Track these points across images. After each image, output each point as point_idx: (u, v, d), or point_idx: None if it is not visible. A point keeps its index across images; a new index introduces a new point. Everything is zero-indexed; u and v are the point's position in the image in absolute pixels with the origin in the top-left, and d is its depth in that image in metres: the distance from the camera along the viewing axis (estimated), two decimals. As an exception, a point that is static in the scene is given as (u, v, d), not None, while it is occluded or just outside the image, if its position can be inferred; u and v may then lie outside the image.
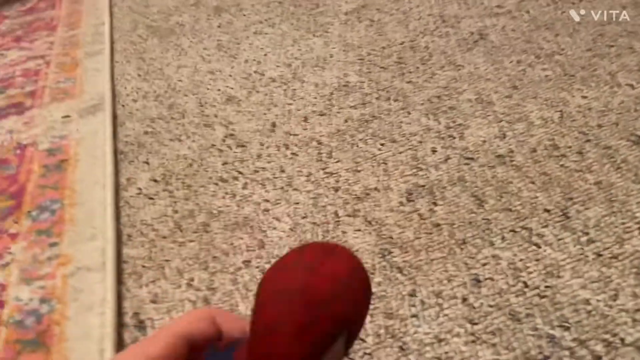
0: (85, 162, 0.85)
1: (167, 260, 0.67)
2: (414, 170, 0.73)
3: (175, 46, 1.15)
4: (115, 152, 0.87)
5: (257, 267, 0.64)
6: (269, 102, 0.92)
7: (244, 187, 0.75)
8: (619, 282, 0.54)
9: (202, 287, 0.63)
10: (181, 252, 0.67)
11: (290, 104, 0.90)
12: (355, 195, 0.71)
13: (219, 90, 0.98)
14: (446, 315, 0.55)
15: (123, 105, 0.99)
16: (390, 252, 0.62)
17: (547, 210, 0.63)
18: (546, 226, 0.62)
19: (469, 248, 0.61)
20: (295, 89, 0.94)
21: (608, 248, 0.58)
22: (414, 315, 0.55)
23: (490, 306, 0.55)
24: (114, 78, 1.07)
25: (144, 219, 0.73)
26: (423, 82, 0.89)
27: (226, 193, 0.75)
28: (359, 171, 0.74)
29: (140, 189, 0.79)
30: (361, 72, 0.95)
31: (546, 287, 0.55)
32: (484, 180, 0.69)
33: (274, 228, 0.68)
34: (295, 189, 0.73)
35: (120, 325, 0.60)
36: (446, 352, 0.51)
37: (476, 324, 0.53)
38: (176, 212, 0.74)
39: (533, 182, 0.68)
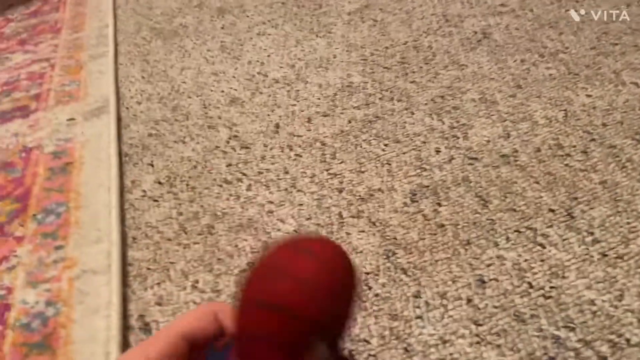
0: (90, 164, 0.85)
1: (172, 263, 0.67)
2: (418, 171, 0.72)
3: (179, 48, 1.15)
4: (120, 154, 0.87)
5: (262, 268, 0.64)
6: (273, 104, 0.92)
7: (248, 188, 0.76)
8: (624, 283, 0.54)
9: (207, 289, 0.63)
10: (186, 254, 0.68)
11: (294, 105, 0.90)
12: (359, 196, 0.71)
13: (222, 91, 0.98)
14: (451, 316, 0.55)
15: (127, 108, 0.99)
16: (394, 253, 0.62)
17: (552, 210, 0.63)
18: (551, 226, 0.61)
19: (474, 249, 0.61)
20: (298, 90, 0.94)
21: (613, 248, 0.58)
22: (418, 317, 0.55)
23: (495, 307, 0.54)
24: (118, 80, 1.08)
25: (149, 222, 0.74)
26: (426, 82, 0.89)
27: (230, 195, 0.75)
28: (362, 172, 0.74)
29: (144, 191, 0.79)
30: (364, 72, 0.95)
31: (551, 287, 0.55)
32: (488, 180, 0.69)
33: (278, 230, 0.68)
34: (299, 190, 0.73)
35: (125, 328, 0.60)
36: (451, 354, 0.51)
37: (481, 325, 0.53)
38: (181, 214, 0.74)
39: (537, 182, 0.67)
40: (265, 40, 1.11)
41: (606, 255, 0.57)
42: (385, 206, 0.68)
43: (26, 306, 0.64)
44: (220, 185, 0.77)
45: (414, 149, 0.76)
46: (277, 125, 0.86)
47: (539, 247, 0.59)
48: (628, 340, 0.50)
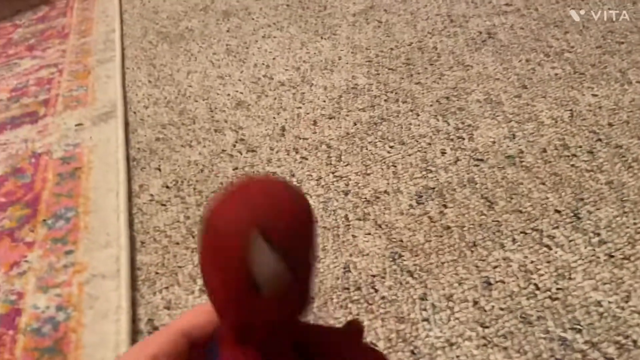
0: (98, 169, 0.86)
1: (180, 267, 0.68)
2: (424, 173, 0.73)
3: (185, 51, 1.16)
4: (128, 159, 0.88)
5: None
6: (278, 106, 0.92)
7: (255, 192, 0.76)
8: (631, 284, 0.54)
9: (214, 293, 0.63)
10: (194, 258, 0.68)
11: (300, 108, 0.91)
12: (365, 198, 0.71)
13: (228, 95, 0.98)
14: (457, 318, 0.55)
15: (134, 112, 1.00)
16: (400, 256, 0.62)
17: (558, 211, 0.63)
18: (557, 227, 0.61)
19: (480, 250, 0.61)
20: (304, 93, 0.94)
21: (620, 249, 0.58)
22: (425, 319, 0.55)
23: (502, 309, 0.55)
24: (125, 85, 1.09)
25: (157, 226, 0.74)
26: (432, 83, 0.89)
27: (237, 198, 0.76)
28: (368, 174, 0.74)
29: (152, 195, 0.80)
30: (369, 74, 0.95)
31: (557, 289, 0.55)
32: (494, 181, 0.69)
33: (285, 233, 0.69)
34: (305, 193, 0.74)
35: (135, 332, 0.61)
36: (458, 356, 0.52)
37: (487, 327, 0.53)
38: (188, 218, 0.74)
39: (543, 183, 0.67)
40: (271, 42, 1.12)
41: (613, 256, 0.57)
42: (391, 208, 0.69)
43: (37, 311, 0.64)
44: (227, 189, 0.78)
45: (419, 151, 0.76)
46: (283, 128, 0.87)
47: (545, 249, 0.59)
48: (635, 342, 0.50)
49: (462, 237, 0.63)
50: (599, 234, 0.60)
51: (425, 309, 0.56)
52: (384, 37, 1.05)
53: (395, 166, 0.75)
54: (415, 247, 0.63)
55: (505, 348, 0.51)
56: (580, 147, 0.71)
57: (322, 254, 0.64)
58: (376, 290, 0.59)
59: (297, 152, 0.81)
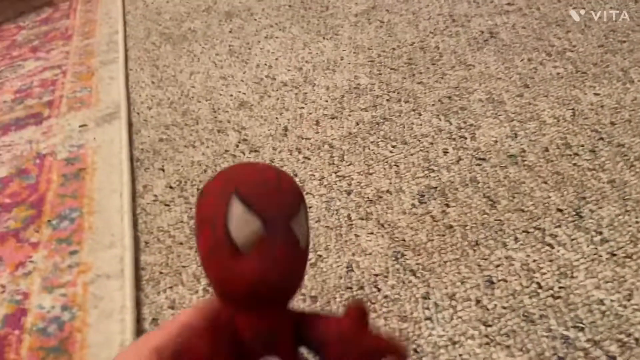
0: (102, 170, 0.86)
1: (184, 266, 0.68)
2: (426, 172, 0.73)
3: (188, 52, 1.16)
4: (132, 159, 0.88)
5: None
6: (281, 107, 0.92)
7: (258, 192, 0.76)
8: (633, 282, 0.54)
9: (218, 293, 0.64)
10: (197, 258, 0.69)
11: (302, 108, 0.91)
12: (368, 198, 0.71)
13: (231, 95, 0.99)
14: (460, 317, 0.55)
15: (138, 113, 1.00)
16: (403, 255, 0.63)
17: (560, 210, 0.63)
18: (559, 226, 0.62)
19: (482, 249, 0.61)
20: (306, 93, 0.94)
21: (622, 247, 0.58)
22: (427, 318, 0.56)
23: (504, 308, 0.55)
24: (128, 86, 1.09)
25: (161, 226, 0.75)
26: (434, 83, 0.89)
27: (240, 198, 0.76)
28: (371, 174, 0.75)
29: (156, 195, 0.80)
30: (372, 74, 0.95)
31: (560, 287, 0.55)
32: (496, 180, 0.69)
33: (288, 232, 0.69)
34: (308, 193, 0.74)
35: (139, 332, 0.61)
36: (460, 355, 0.52)
37: (490, 325, 0.54)
38: (192, 218, 0.75)
39: (546, 182, 0.67)
40: (273, 43, 1.12)
41: (615, 255, 0.57)
42: (394, 208, 0.69)
43: (42, 311, 0.65)
44: (230, 189, 0.78)
45: (421, 150, 0.77)
46: (286, 129, 0.87)
47: (547, 247, 0.60)
48: (637, 340, 0.50)
49: (464, 236, 0.63)
50: (601, 233, 0.60)
51: (427, 308, 0.56)
52: (386, 37, 1.05)
53: (397, 166, 0.75)
54: (417, 246, 0.63)
55: (507, 346, 0.52)
56: (583, 146, 0.72)
57: (325, 254, 0.65)
58: (379, 290, 0.59)
59: (299, 152, 0.82)
